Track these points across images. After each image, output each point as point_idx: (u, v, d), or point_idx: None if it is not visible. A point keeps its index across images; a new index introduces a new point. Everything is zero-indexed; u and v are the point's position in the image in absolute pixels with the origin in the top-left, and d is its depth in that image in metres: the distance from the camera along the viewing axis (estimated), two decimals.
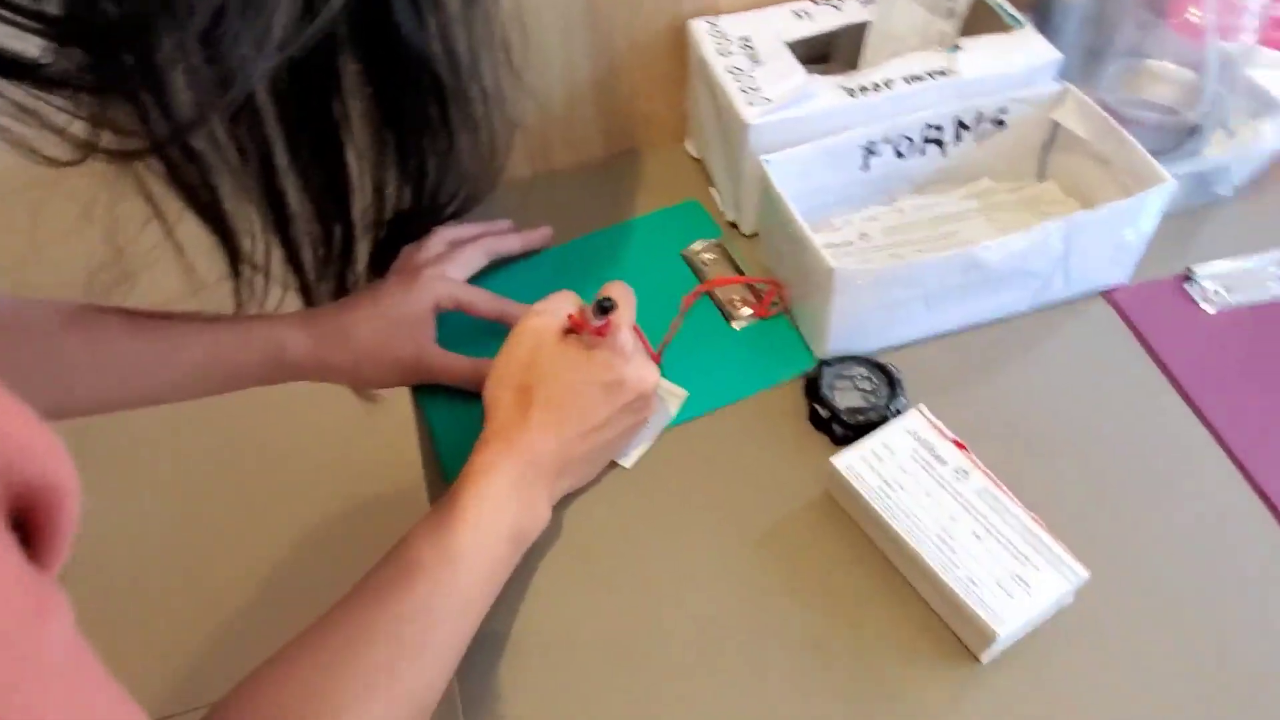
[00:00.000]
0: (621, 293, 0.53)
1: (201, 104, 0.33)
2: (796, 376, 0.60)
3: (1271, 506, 0.52)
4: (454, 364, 0.59)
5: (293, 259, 0.48)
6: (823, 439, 0.57)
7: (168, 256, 0.43)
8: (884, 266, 0.54)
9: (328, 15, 0.34)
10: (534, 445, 0.50)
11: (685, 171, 0.75)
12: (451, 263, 0.61)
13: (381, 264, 0.62)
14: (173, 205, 0.38)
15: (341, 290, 0.59)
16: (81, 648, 0.23)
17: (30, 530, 0.22)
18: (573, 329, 0.52)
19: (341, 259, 0.56)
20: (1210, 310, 0.61)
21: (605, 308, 0.50)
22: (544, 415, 0.51)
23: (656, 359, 0.60)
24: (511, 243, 0.66)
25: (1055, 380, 0.59)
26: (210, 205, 0.38)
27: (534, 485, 0.50)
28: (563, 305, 0.54)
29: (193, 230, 0.40)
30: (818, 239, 0.55)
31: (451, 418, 0.59)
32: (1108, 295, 0.63)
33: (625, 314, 0.52)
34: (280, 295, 0.49)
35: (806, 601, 0.50)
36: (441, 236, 0.64)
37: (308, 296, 0.55)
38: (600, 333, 0.50)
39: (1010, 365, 0.60)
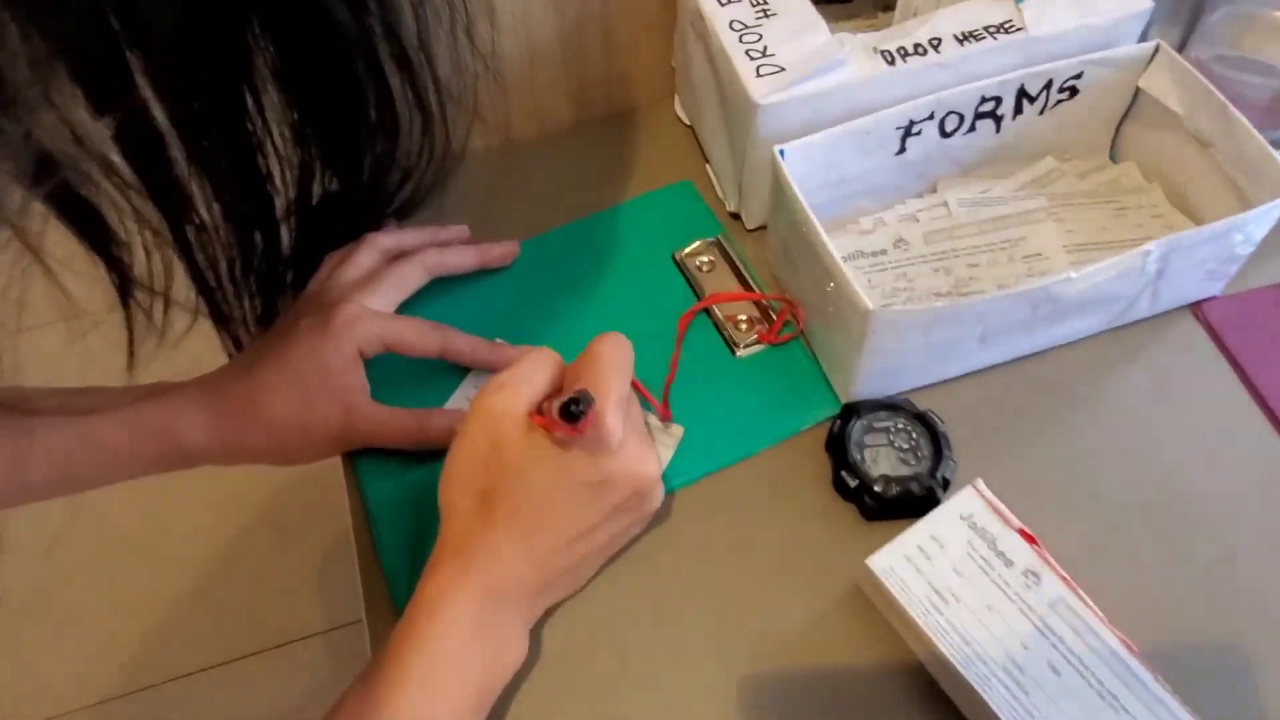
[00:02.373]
0: (611, 357, 0.40)
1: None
2: (815, 425, 0.49)
3: None
4: (393, 422, 0.46)
5: (197, 274, 0.39)
6: (849, 508, 0.46)
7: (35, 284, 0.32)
8: (933, 308, 0.42)
9: None
10: (501, 566, 0.39)
11: (674, 140, 0.61)
12: (375, 289, 0.47)
13: (300, 271, 0.50)
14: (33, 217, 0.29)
15: (269, 310, 0.47)
16: None
17: None
18: (539, 423, 0.39)
19: (264, 270, 0.44)
20: None
21: (575, 413, 0.37)
22: (512, 526, 0.39)
23: (664, 415, 0.48)
24: (463, 258, 0.52)
25: (1132, 424, 0.48)
26: (84, 213, 0.31)
27: (503, 618, 0.39)
28: (532, 373, 0.41)
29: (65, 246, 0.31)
30: (846, 249, 0.43)
31: (392, 491, 0.47)
32: (1196, 310, 0.51)
33: (615, 389, 0.39)
34: (189, 322, 0.40)
35: None
36: (373, 245, 0.50)
37: (222, 322, 0.44)
38: (575, 432, 0.38)
39: (1077, 403, 0.48)
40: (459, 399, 0.50)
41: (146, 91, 0.31)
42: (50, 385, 0.45)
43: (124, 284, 0.35)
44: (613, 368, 0.40)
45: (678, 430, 0.48)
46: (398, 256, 0.50)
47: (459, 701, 0.37)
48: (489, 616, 0.38)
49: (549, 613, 0.43)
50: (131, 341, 0.37)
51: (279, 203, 0.42)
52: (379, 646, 0.44)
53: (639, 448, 0.41)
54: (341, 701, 0.37)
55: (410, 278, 0.50)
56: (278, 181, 0.40)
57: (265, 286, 0.47)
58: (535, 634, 0.42)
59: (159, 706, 1.13)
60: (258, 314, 0.47)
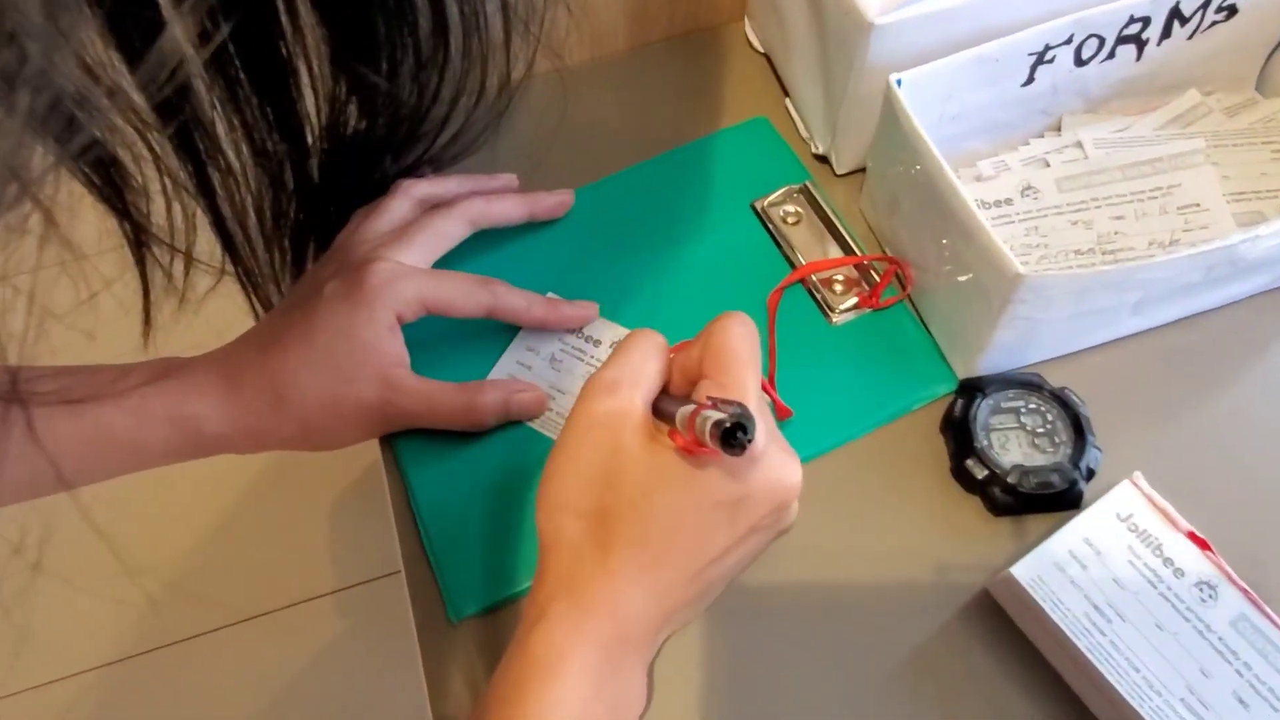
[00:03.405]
0: (744, 351, 0.32)
1: None
2: (928, 404, 0.42)
3: None
4: (439, 398, 0.40)
5: (222, 225, 0.36)
6: (972, 499, 0.40)
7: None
8: (1099, 271, 0.35)
9: None
10: (622, 609, 0.32)
11: (745, 69, 0.54)
12: (410, 242, 0.40)
13: (331, 221, 0.43)
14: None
15: (300, 263, 0.41)
16: None
17: None
18: (685, 449, 0.31)
19: (298, 218, 0.38)
20: None
21: (739, 442, 0.28)
22: (635, 558, 0.32)
23: (781, 409, 0.41)
24: (509, 209, 0.45)
25: None
26: (96, 156, 0.27)
27: (624, 670, 0.32)
28: (643, 366, 0.33)
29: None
30: (974, 200, 0.36)
31: (438, 479, 0.41)
32: None
33: (753, 388, 0.32)
34: (213, 282, 0.37)
35: None
36: (406, 193, 0.43)
37: (250, 280, 0.40)
38: (727, 455, 0.29)
39: (1236, 376, 0.42)
40: (507, 364, 0.44)
41: (169, 12, 0.24)
42: (47, 361, 0.39)
43: (140, 238, 0.30)
44: (748, 362, 0.32)
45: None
46: (436, 206, 0.43)
47: None
48: (611, 671, 0.31)
49: None
50: (147, 304, 0.33)
51: (310, 140, 0.36)
52: (419, 600, 0.38)
53: (781, 453, 0.33)
54: None
55: (450, 229, 0.42)
56: (311, 116, 0.33)
57: (297, 236, 0.41)
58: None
59: (169, 667, 1.10)
60: (290, 267, 0.41)
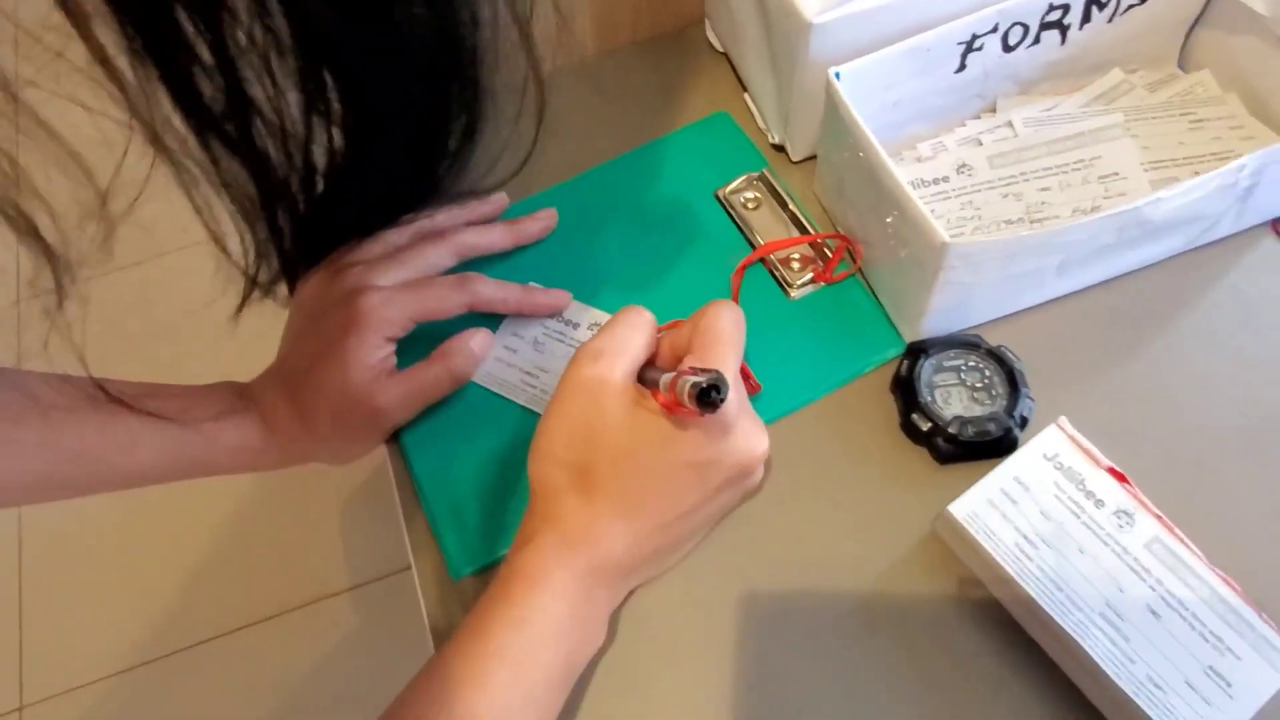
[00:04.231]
0: (730, 332, 0.37)
1: None
2: (879, 367, 0.46)
3: None
4: (418, 380, 0.44)
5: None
6: (919, 451, 0.44)
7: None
8: (1014, 238, 0.39)
9: None
10: (599, 545, 0.37)
11: (708, 68, 0.58)
12: (399, 268, 0.45)
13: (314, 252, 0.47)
14: None
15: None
16: None
17: None
18: (665, 406, 0.36)
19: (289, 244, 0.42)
20: None
21: (713, 400, 0.32)
22: (614, 507, 0.37)
23: (753, 387, 0.45)
24: (496, 239, 0.49)
25: (1215, 349, 0.45)
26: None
27: (594, 599, 0.37)
28: (629, 338, 0.38)
29: None
30: (904, 178, 0.40)
31: (437, 455, 0.46)
32: (1276, 225, 0.48)
33: (733, 365, 0.36)
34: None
35: (923, 688, 0.39)
36: (405, 225, 0.47)
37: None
38: (700, 416, 0.34)
39: (1158, 331, 0.46)
40: (495, 349, 0.48)
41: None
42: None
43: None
44: (732, 342, 0.37)
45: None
46: (430, 235, 0.47)
47: (552, 684, 0.35)
48: (584, 597, 0.36)
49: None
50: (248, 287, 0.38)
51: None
52: (431, 597, 0.42)
53: (751, 423, 0.38)
54: (418, 684, 0.35)
55: (438, 261, 0.46)
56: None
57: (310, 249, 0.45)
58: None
59: (188, 670, 1.14)
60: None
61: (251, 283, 0.42)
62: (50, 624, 1.19)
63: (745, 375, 0.45)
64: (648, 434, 0.36)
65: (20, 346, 1.31)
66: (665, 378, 0.35)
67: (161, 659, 1.15)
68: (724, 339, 0.37)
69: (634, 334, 0.38)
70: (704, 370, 0.33)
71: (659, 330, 0.41)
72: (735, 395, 0.36)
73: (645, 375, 0.38)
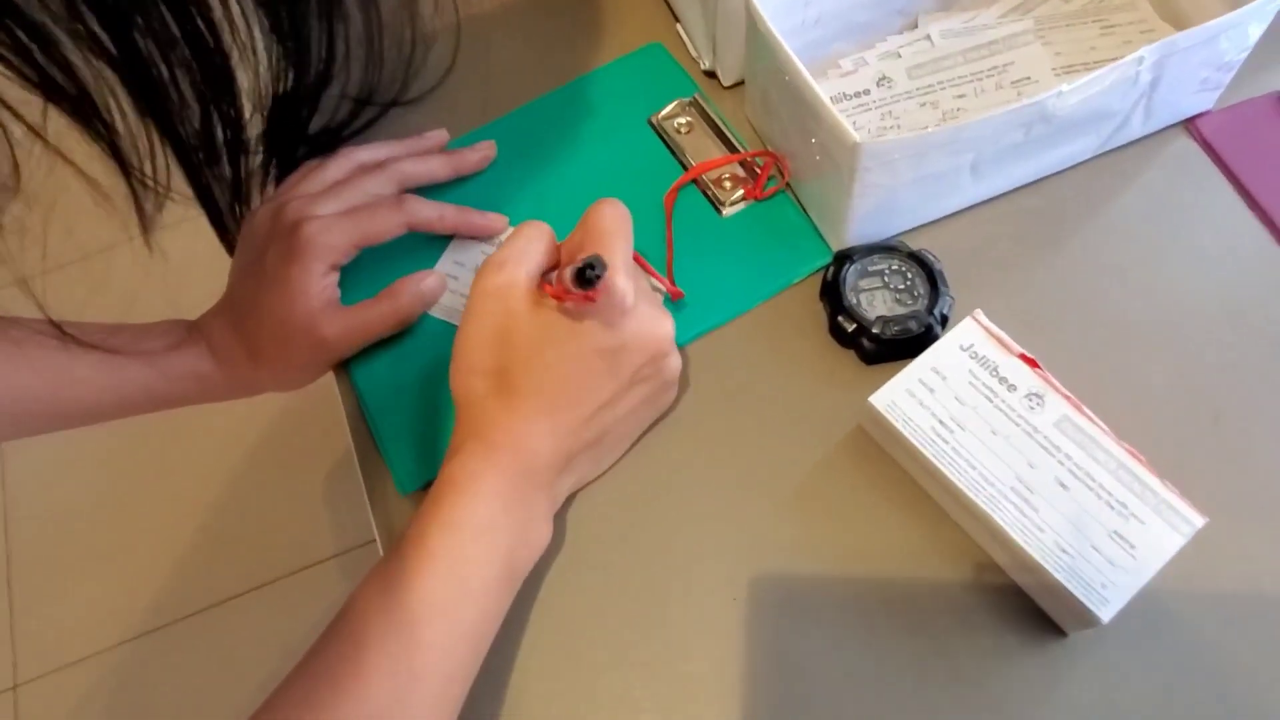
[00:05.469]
0: (612, 223, 0.39)
1: None
2: (808, 276, 0.48)
3: None
4: (365, 316, 0.45)
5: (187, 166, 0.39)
6: (848, 354, 0.46)
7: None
8: (923, 135, 0.40)
9: None
10: (525, 445, 0.38)
11: (640, 1, 0.59)
12: (338, 200, 0.46)
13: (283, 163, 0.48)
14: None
15: (239, 189, 0.46)
16: None
17: None
18: (554, 295, 0.38)
19: (231, 154, 0.43)
20: None
21: (590, 278, 0.35)
22: (533, 404, 0.38)
23: (672, 290, 0.47)
24: (435, 168, 0.50)
25: (1130, 245, 0.47)
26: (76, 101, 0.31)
27: (529, 499, 0.38)
28: (528, 246, 0.40)
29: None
30: (827, 92, 0.41)
31: (382, 376, 0.47)
32: (1190, 125, 0.50)
33: (620, 252, 0.38)
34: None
35: (851, 568, 0.41)
36: (346, 157, 0.49)
37: (211, 212, 0.44)
38: (589, 299, 0.36)
39: (1074, 230, 0.47)
40: (444, 266, 0.49)
41: None
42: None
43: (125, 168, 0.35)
44: (615, 232, 0.39)
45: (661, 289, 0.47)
46: (372, 168, 0.49)
47: (489, 581, 0.37)
48: (516, 495, 0.38)
49: (571, 498, 0.43)
50: (143, 220, 0.37)
51: (245, 84, 0.41)
52: (388, 536, 0.44)
53: (651, 308, 0.40)
54: (365, 584, 0.36)
55: (377, 190, 0.48)
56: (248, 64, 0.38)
57: (235, 172, 0.46)
58: (560, 518, 0.42)
59: (180, 642, 1.16)
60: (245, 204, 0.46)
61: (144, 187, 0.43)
62: (41, 603, 1.20)
63: (651, 273, 0.46)
64: (553, 330, 0.38)
65: None
66: (555, 272, 0.37)
67: (157, 630, 1.17)
68: (605, 230, 0.39)
69: (532, 244, 0.40)
70: (587, 257, 0.36)
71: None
72: (629, 283, 0.37)
73: (546, 278, 0.40)
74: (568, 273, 0.36)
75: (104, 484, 1.26)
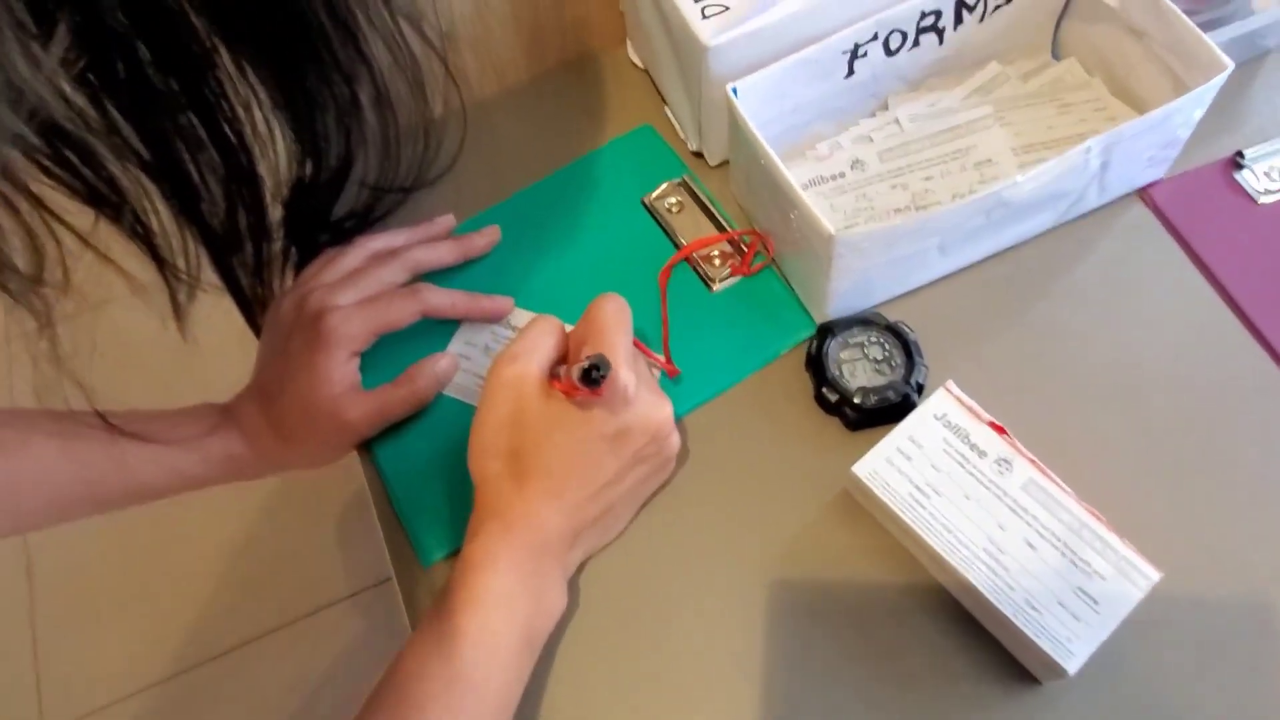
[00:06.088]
0: (613, 319, 0.43)
1: None
2: (794, 347, 0.51)
3: None
4: (384, 399, 0.49)
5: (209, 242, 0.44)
6: (833, 421, 0.49)
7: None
8: (893, 226, 0.44)
9: None
10: (537, 522, 0.42)
11: (631, 84, 0.63)
12: (355, 289, 0.49)
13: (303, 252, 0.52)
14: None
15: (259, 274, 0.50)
16: None
17: None
18: (564, 391, 0.42)
19: (254, 239, 0.47)
20: (1268, 200, 0.52)
21: (595, 379, 0.39)
22: (543, 484, 0.42)
23: (669, 369, 0.50)
24: (444, 255, 0.54)
25: (1089, 310, 0.50)
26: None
27: (543, 570, 0.42)
28: (540, 340, 0.44)
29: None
30: (805, 175, 0.45)
31: (401, 452, 0.51)
32: (1143, 193, 0.54)
33: (621, 348, 0.42)
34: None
35: (838, 627, 0.44)
36: (361, 246, 0.52)
37: (239, 298, 0.49)
38: (595, 395, 0.40)
39: (1036, 298, 0.51)
40: (456, 347, 0.53)
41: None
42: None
43: (159, 264, 0.39)
44: (616, 328, 0.43)
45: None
46: (384, 256, 0.52)
47: (511, 648, 0.40)
48: (532, 568, 0.41)
49: (583, 565, 0.47)
50: (177, 310, 0.41)
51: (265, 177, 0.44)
52: (411, 601, 0.47)
53: (650, 395, 0.44)
54: (396, 665, 0.40)
55: (392, 278, 0.51)
56: (270, 158, 0.42)
57: (256, 259, 0.50)
58: (573, 584, 0.46)
59: (203, 686, 1.18)
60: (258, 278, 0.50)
61: (178, 280, 0.47)
62: (64, 650, 1.24)
63: (651, 356, 0.50)
64: (561, 418, 0.42)
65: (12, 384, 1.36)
66: (564, 368, 0.41)
67: (180, 674, 1.19)
68: (607, 326, 0.43)
69: (543, 338, 0.44)
70: (591, 357, 0.40)
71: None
72: (630, 373, 0.41)
73: (556, 371, 0.43)
74: (575, 371, 0.40)
75: (124, 532, 1.29)
